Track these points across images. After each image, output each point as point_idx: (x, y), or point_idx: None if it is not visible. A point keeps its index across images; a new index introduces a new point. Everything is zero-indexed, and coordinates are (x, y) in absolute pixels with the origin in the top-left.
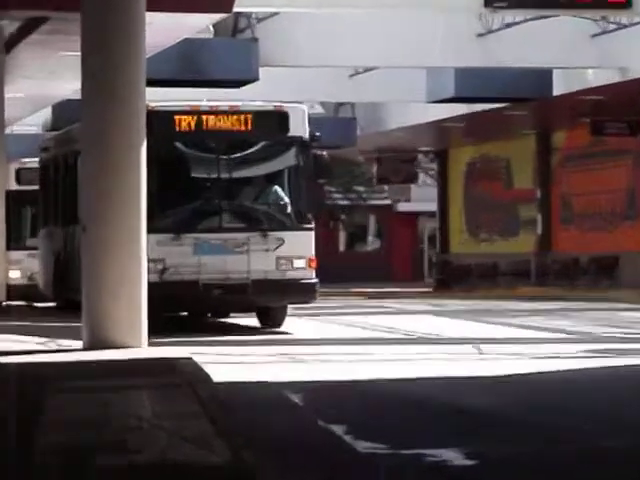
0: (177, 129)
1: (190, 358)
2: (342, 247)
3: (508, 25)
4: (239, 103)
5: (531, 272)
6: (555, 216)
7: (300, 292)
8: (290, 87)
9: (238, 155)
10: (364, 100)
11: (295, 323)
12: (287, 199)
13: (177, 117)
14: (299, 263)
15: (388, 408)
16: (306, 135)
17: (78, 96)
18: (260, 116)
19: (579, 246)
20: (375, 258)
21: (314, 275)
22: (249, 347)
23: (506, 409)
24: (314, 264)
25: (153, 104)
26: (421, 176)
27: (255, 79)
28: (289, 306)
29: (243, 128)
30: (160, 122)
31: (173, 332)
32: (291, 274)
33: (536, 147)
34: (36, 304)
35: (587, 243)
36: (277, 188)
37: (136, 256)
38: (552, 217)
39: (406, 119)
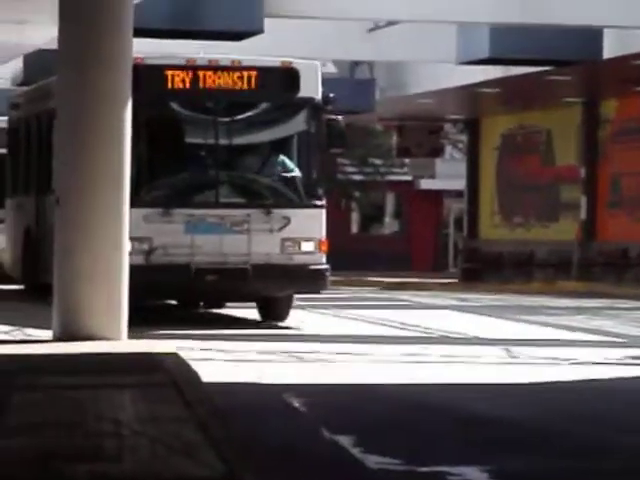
0: (169, 86)
1: (176, 354)
2: (355, 229)
3: None
4: (242, 57)
5: (573, 264)
6: (602, 199)
7: (308, 280)
8: (299, 42)
9: (239, 118)
10: (384, 59)
11: (297, 316)
12: (295, 171)
13: (169, 72)
14: (307, 246)
15: (402, 417)
16: (319, 97)
17: (54, 45)
18: (266, 73)
19: (629, 235)
20: (393, 243)
21: (325, 260)
22: (244, 343)
23: (539, 420)
24: (325, 247)
25: (142, 56)
26: (448, 149)
27: (259, 31)
28: (295, 296)
29: (246, 87)
30: (150, 78)
31: (158, 323)
32: (298, 258)
33: (582, 118)
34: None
35: (639, 232)
36: (284, 158)
37: (117, 235)
38: (599, 200)
39: (433, 82)
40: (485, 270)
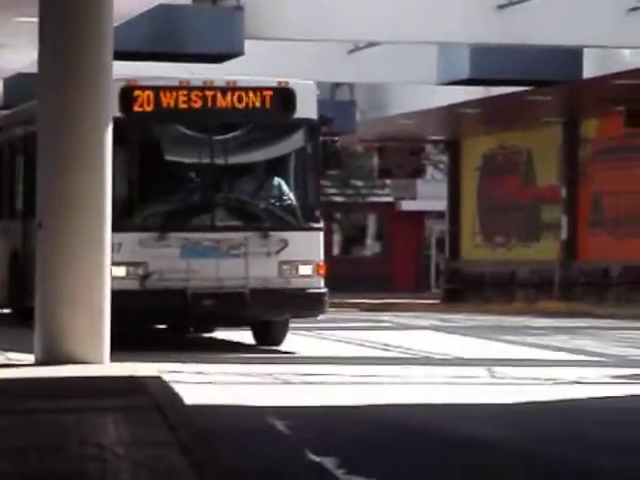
0: (163, 107)
1: (159, 377)
2: (336, 251)
3: None
4: (237, 78)
5: (554, 283)
6: (583, 219)
7: (306, 304)
8: (279, 64)
9: (235, 140)
10: (365, 81)
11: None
12: (292, 193)
13: (163, 93)
14: (305, 269)
15: (385, 439)
16: (315, 117)
17: (33, 69)
18: (262, 93)
19: (611, 254)
20: (374, 264)
21: (323, 284)
22: (228, 365)
23: (521, 442)
24: (323, 271)
25: (133, 78)
26: (429, 170)
27: (239, 53)
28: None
29: (241, 107)
30: (142, 99)
31: (145, 347)
32: (296, 282)
33: (562, 138)
34: None
35: (620, 251)
36: (280, 180)
37: (98, 258)
38: (579, 220)
39: (413, 103)
40: (467, 290)
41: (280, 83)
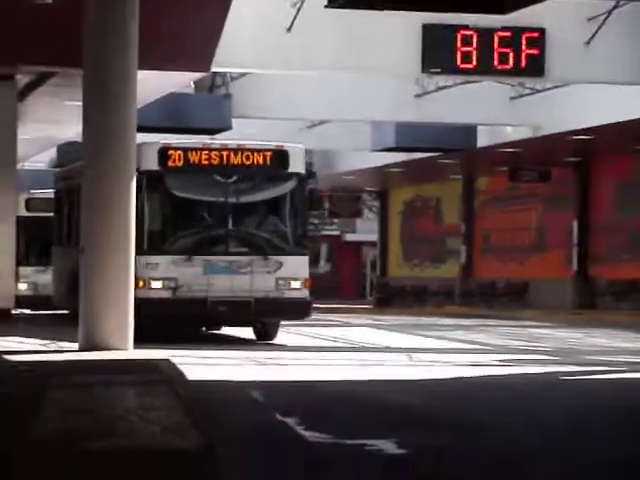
0: (190, 163)
1: (168, 360)
2: None
3: (441, 88)
4: (245, 142)
5: (455, 294)
6: (476, 247)
7: (297, 309)
8: (259, 136)
9: (243, 187)
10: (320, 147)
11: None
12: (286, 227)
13: (190, 152)
14: (296, 284)
15: (334, 404)
16: (303, 171)
17: (79, 138)
18: (263, 154)
19: (497, 273)
20: (326, 279)
21: (308, 294)
22: (223, 352)
23: (432, 406)
24: (309, 284)
25: (169, 141)
26: (365, 212)
27: (228, 128)
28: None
29: (248, 164)
30: (174, 157)
31: (168, 340)
32: (289, 293)
33: (462, 190)
34: (40, 312)
35: (502, 271)
36: (277, 217)
37: (125, 273)
38: (474, 248)
39: (354, 164)
40: (392, 298)
41: (277, 146)
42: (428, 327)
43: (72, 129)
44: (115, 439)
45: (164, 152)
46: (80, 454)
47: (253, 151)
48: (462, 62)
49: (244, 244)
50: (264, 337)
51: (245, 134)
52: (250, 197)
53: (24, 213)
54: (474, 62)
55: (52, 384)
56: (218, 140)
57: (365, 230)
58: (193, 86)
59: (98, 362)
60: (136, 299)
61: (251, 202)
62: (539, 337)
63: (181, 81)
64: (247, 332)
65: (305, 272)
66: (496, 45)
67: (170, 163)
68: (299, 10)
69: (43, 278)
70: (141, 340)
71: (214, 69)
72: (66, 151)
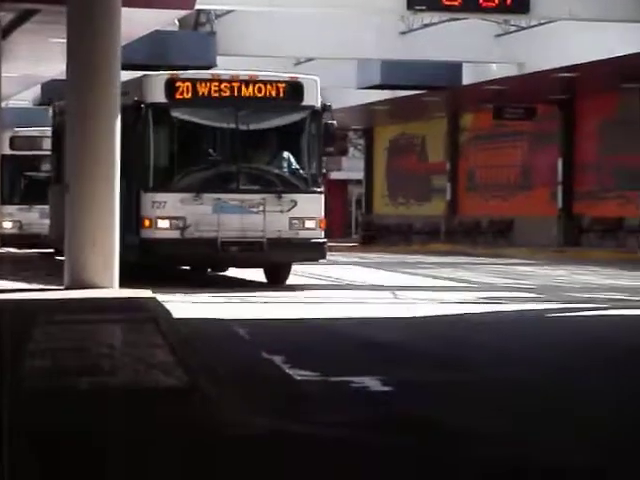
0: (197, 94)
1: (154, 298)
2: None
3: (426, 25)
4: (257, 73)
5: (440, 231)
6: (461, 185)
7: (311, 250)
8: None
9: (255, 121)
10: None
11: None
12: (300, 164)
13: (199, 84)
14: (310, 224)
15: (319, 342)
16: (318, 105)
17: (64, 76)
18: (276, 85)
19: (481, 211)
20: None
21: (323, 235)
22: (214, 292)
23: (417, 343)
24: (323, 225)
25: (177, 73)
26: (351, 150)
27: (213, 66)
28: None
29: (261, 96)
30: (182, 89)
31: (170, 282)
32: (303, 234)
33: (447, 128)
34: (25, 250)
35: (487, 209)
36: (291, 153)
37: (111, 210)
38: (459, 186)
39: (340, 102)
40: (378, 236)
41: (291, 78)
42: (414, 265)
43: (56, 67)
44: (100, 376)
45: (171, 83)
46: (64, 391)
47: (266, 82)
48: None
49: (256, 181)
50: (275, 280)
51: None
52: (262, 131)
53: (9, 152)
54: None
55: (37, 322)
56: (228, 71)
57: (351, 168)
58: (178, 24)
59: (83, 300)
60: (142, 239)
61: (263, 137)
62: (524, 275)
63: (166, 19)
64: (255, 275)
65: (320, 212)
66: None
67: (178, 95)
68: None
69: (28, 217)
70: (142, 281)
71: (198, 6)
72: (50, 89)
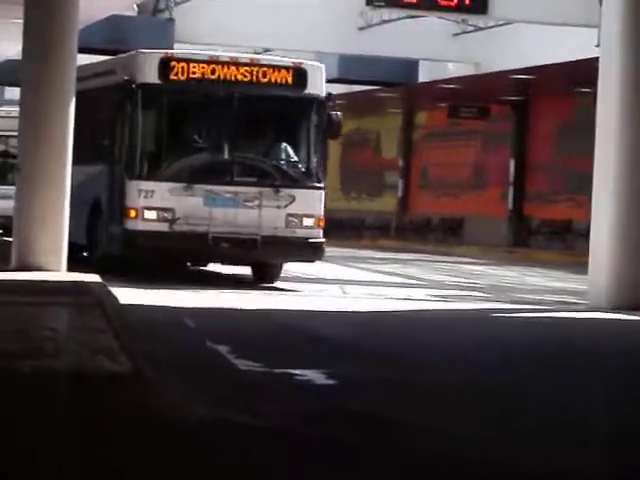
0: (192, 76)
1: (102, 282)
2: None
3: (385, 22)
4: (259, 57)
5: (391, 227)
6: (414, 182)
7: (308, 251)
8: None
9: (254, 108)
10: None
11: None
12: (300, 156)
13: (194, 65)
14: (308, 222)
15: (266, 334)
16: (322, 94)
17: (19, 57)
18: (279, 71)
19: (432, 208)
20: None
21: (321, 234)
22: (172, 284)
23: (361, 339)
24: (322, 223)
25: (172, 52)
26: None
27: None
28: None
29: (261, 81)
30: (177, 69)
31: (154, 279)
32: (300, 232)
33: (402, 124)
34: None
35: (439, 206)
36: (291, 145)
37: (61, 191)
38: (411, 183)
39: None
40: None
41: (295, 63)
42: (363, 260)
43: (12, 47)
44: (42, 360)
45: (166, 63)
46: (6, 373)
47: (267, 67)
48: None
49: (252, 173)
50: (264, 279)
51: None
52: (261, 120)
53: None
54: None
55: None
56: (227, 53)
57: None
58: (136, 9)
59: (29, 282)
60: (125, 231)
61: (262, 126)
62: (473, 274)
63: (125, 3)
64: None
65: (319, 209)
66: None
67: (172, 76)
68: None
69: None
70: (125, 274)
71: None
72: (5, 69)
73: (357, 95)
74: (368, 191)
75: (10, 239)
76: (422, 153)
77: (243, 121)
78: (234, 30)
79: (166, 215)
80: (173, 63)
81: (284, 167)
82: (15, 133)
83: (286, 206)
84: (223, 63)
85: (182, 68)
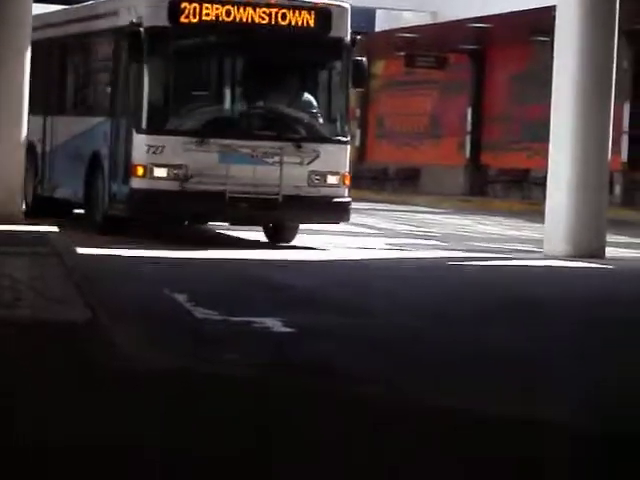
0: (206, 18)
1: (60, 232)
2: None
3: None
4: None
5: None
6: (371, 132)
7: (332, 211)
8: None
9: (273, 54)
10: None
11: None
12: (324, 107)
13: (207, 6)
14: (333, 179)
15: (224, 282)
16: (348, 37)
17: None
18: (300, 12)
19: (389, 158)
20: None
21: (347, 193)
22: (145, 241)
23: (319, 287)
24: (348, 181)
25: None
26: None
27: None
28: None
29: (280, 23)
30: (189, 11)
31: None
32: (324, 191)
33: None
34: None
35: (396, 156)
36: (314, 94)
37: (17, 141)
38: (368, 133)
39: None
40: None
41: (318, 3)
42: None
43: None
44: (1, 309)
45: (176, 4)
46: None
47: (287, 8)
48: None
49: (272, 126)
50: (278, 239)
51: None
52: (282, 67)
53: None
54: None
55: None
56: None
57: None
58: None
59: None
60: (133, 190)
61: (282, 73)
62: (429, 223)
63: None
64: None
65: (345, 165)
66: None
67: (183, 19)
68: None
69: None
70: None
71: None
72: None
73: None
74: None
75: None
76: (379, 103)
77: (262, 68)
78: None
79: (177, 173)
80: (184, 4)
81: (307, 119)
82: None
83: (309, 162)
84: (239, 4)
85: (194, 9)
